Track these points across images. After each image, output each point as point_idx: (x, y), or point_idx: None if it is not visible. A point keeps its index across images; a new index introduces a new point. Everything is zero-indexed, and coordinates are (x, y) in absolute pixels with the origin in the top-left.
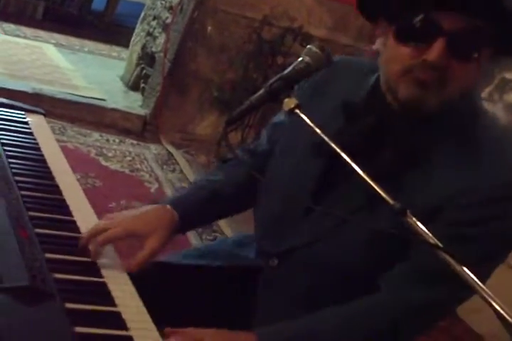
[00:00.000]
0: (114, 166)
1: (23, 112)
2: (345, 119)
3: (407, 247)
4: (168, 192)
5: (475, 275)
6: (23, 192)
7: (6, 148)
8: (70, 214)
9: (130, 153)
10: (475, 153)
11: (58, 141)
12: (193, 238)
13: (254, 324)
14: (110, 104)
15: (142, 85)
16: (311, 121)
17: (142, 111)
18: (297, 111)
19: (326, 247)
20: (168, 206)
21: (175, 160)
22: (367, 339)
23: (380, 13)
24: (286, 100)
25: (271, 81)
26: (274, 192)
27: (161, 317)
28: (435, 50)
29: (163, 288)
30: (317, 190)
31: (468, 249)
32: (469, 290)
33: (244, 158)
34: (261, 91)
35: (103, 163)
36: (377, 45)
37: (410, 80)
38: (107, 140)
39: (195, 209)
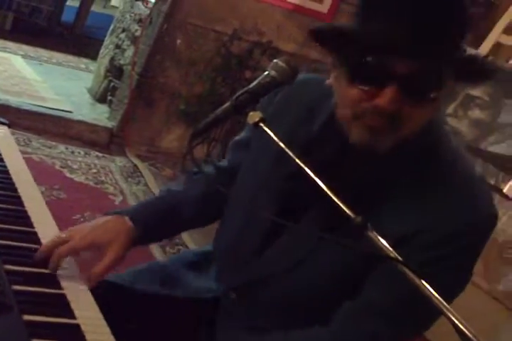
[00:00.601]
0: (78, 178)
1: None
2: (300, 151)
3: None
4: (133, 204)
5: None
6: None
7: None
8: (31, 225)
9: (95, 165)
10: (432, 191)
11: (23, 152)
12: (156, 251)
13: None
14: (77, 116)
15: (109, 98)
16: (275, 135)
17: (109, 124)
18: (261, 124)
19: (284, 282)
20: (127, 217)
21: (140, 172)
22: None
23: (334, 49)
24: (251, 113)
25: (237, 94)
26: (234, 215)
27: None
28: (386, 97)
29: (116, 312)
30: (277, 214)
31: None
32: (414, 330)
33: (210, 173)
34: (226, 104)
35: (68, 175)
36: (331, 79)
37: (361, 125)
38: (72, 152)
39: (153, 223)
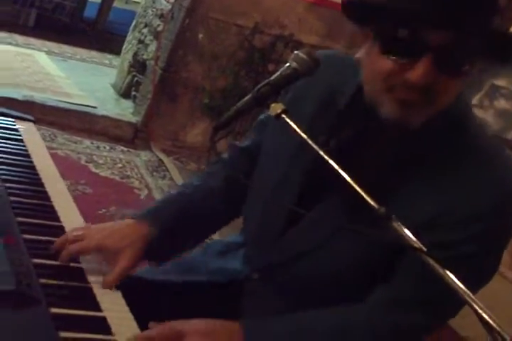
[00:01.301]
0: (104, 173)
1: (12, 119)
2: (326, 130)
3: (392, 263)
4: (158, 198)
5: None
6: (12, 198)
7: None
8: (58, 219)
9: (120, 160)
10: (458, 170)
11: (49, 148)
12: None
13: None
14: (101, 111)
15: (133, 93)
16: (297, 125)
17: (133, 119)
18: (284, 116)
19: (304, 264)
20: (145, 223)
21: (165, 167)
22: None
23: (366, 22)
24: (273, 105)
25: (258, 86)
26: (257, 202)
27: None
28: (420, 69)
29: (144, 306)
30: (299, 203)
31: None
32: (443, 318)
33: (229, 158)
34: (248, 97)
35: (93, 169)
36: (360, 53)
37: (393, 99)
38: (98, 147)
39: (174, 223)
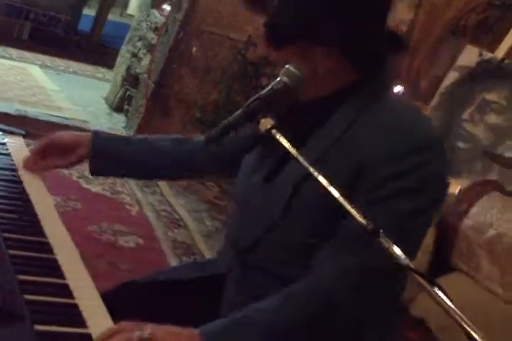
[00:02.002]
0: (95, 189)
1: (0, 133)
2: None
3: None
4: (150, 214)
5: (411, 230)
6: None
7: None
8: (44, 235)
9: None
10: (378, 126)
11: None
12: (173, 260)
13: None
14: (93, 125)
15: (126, 107)
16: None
17: (125, 133)
18: (274, 131)
19: (274, 234)
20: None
21: (155, 182)
22: (309, 314)
23: None
24: (263, 120)
25: (249, 101)
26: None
27: None
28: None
29: (133, 307)
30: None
31: (393, 208)
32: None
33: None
34: (239, 111)
35: (84, 185)
36: None
37: None
38: None
39: (112, 141)
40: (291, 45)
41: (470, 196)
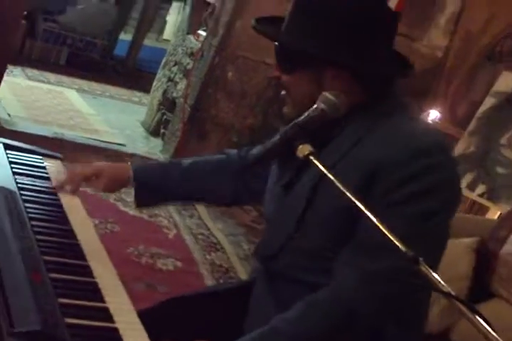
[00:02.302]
0: (132, 211)
1: (40, 157)
2: None
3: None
4: (187, 237)
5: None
6: (39, 237)
7: (22, 192)
8: (84, 258)
9: None
10: (386, 137)
11: None
12: (210, 283)
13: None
14: (130, 149)
15: (162, 130)
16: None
17: (162, 157)
18: (311, 157)
19: (295, 242)
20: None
21: (193, 205)
22: (331, 323)
23: None
24: (301, 147)
25: (286, 128)
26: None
27: None
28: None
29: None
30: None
31: (407, 212)
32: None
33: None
34: (275, 138)
35: (122, 208)
36: None
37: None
38: None
39: (152, 170)
40: (303, 69)
41: (510, 221)
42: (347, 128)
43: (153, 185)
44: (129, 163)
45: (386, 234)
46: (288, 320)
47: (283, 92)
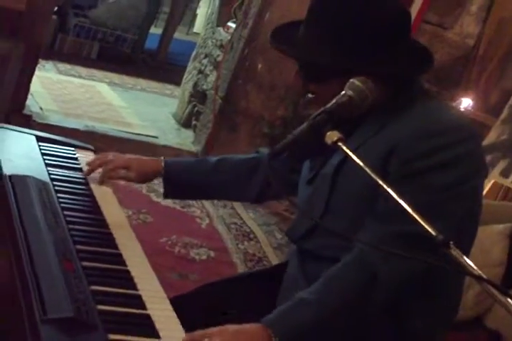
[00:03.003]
0: (165, 202)
1: (72, 148)
2: None
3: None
4: (219, 227)
5: (445, 204)
6: (71, 226)
7: (55, 183)
8: (116, 247)
9: None
10: (410, 119)
11: None
12: (240, 269)
13: None
14: (162, 141)
15: (194, 122)
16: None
17: (194, 148)
18: (340, 144)
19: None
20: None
21: None
22: (349, 292)
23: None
24: (329, 133)
25: (314, 114)
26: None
27: None
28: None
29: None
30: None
31: (424, 182)
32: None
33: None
34: (304, 125)
35: (154, 198)
36: None
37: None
38: None
39: (182, 165)
40: (329, 78)
41: None
42: (371, 117)
43: (182, 178)
44: (162, 158)
45: (412, 215)
46: (313, 290)
47: (309, 95)
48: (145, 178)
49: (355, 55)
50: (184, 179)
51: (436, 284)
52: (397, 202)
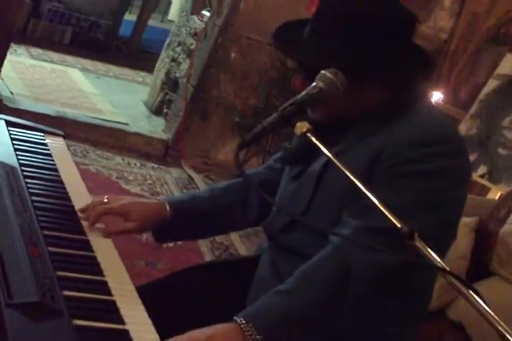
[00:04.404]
0: (134, 189)
1: (42, 134)
2: None
3: None
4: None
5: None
6: (39, 212)
7: (23, 168)
8: (83, 233)
9: (151, 176)
10: (402, 125)
11: (81, 163)
12: (208, 257)
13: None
14: (133, 128)
15: (165, 110)
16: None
17: (164, 136)
18: (309, 134)
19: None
20: (167, 204)
21: (195, 184)
22: (323, 284)
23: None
24: (299, 124)
25: (284, 105)
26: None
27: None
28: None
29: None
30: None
31: (410, 186)
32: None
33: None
34: (274, 116)
35: (124, 186)
36: None
37: None
38: (129, 163)
39: (189, 205)
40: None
41: (510, 202)
42: (363, 121)
43: (187, 219)
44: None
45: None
46: (288, 282)
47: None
48: (146, 227)
49: (363, 59)
50: (189, 219)
51: (409, 283)
52: (368, 197)
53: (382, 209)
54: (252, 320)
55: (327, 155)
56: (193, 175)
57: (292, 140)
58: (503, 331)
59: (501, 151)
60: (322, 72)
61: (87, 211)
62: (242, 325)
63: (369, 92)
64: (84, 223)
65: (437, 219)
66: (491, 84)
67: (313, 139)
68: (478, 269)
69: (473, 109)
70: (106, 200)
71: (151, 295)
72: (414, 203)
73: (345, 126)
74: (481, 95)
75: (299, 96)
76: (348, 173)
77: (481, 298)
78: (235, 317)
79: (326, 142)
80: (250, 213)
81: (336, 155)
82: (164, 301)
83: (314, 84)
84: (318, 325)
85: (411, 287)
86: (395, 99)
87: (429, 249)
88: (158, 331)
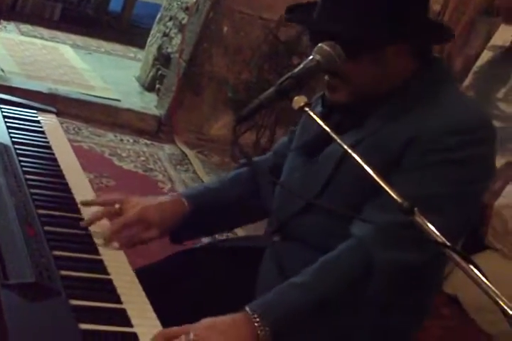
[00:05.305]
0: (127, 166)
1: (34, 111)
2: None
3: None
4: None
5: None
6: (33, 190)
7: (16, 146)
8: (78, 212)
9: (144, 153)
10: (435, 106)
11: (73, 141)
12: (206, 238)
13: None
14: (125, 104)
15: (157, 86)
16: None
17: (157, 112)
18: (306, 108)
19: (316, 211)
20: (184, 199)
21: (188, 160)
22: (342, 278)
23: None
24: (296, 98)
25: (281, 79)
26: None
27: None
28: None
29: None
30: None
31: (437, 175)
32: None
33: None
34: (271, 90)
35: (117, 163)
36: None
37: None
38: (121, 140)
39: (206, 198)
40: (361, 54)
41: (505, 174)
42: (393, 99)
43: (208, 214)
44: (170, 195)
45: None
46: (305, 273)
47: (327, 78)
48: (167, 229)
49: (391, 24)
50: (210, 212)
51: (425, 282)
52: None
53: (380, 182)
54: (262, 312)
55: (327, 131)
56: (187, 151)
57: (298, 123)
58: (503, 304)
59: (496, 123)
60: (319, 44)
61: (97, 219)
62: (252, 316)
63: (394, 63)
64: (81, 208)
65: (462, 215)
66: (485, 55)
67: (311, 113)
68: (474, 242)
69: (467, 81)
70: (117, 207)
71: (150, 276)
72: (443, 196)
73: (369, 106)
74: (475, 67)
75: (296, 70)
76: (361, 161)
77: (482, 273)
78: (246, 307)
79: (349, 125)
80: (265, 201)
81: (362, 139)
82: (163, 282)
83: (311, 57)
84: (331, 319)
85: (425, 286)
86: (421, 73)
87: (429, 225)
88: (158, 313)
